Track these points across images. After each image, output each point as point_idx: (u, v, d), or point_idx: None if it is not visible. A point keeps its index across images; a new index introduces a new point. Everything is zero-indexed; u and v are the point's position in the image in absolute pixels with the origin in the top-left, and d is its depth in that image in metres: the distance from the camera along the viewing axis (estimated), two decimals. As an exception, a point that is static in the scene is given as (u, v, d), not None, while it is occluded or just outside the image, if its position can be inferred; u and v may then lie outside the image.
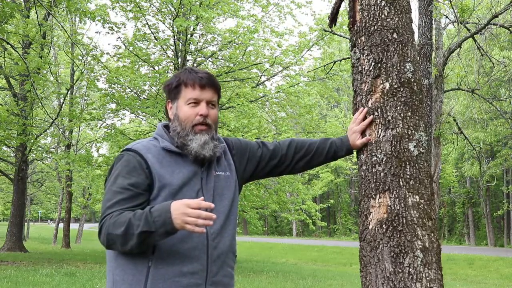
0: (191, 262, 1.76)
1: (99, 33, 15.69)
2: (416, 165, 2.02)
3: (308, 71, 14.50)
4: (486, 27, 10.18)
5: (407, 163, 2.01)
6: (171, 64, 13.83)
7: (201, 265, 1.77)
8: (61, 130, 18.43)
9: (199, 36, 14.24)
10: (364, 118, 2.09)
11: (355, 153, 2.19)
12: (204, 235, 1.78)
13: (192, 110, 1.87)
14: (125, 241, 1.69)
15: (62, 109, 15.58)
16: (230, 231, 1.89)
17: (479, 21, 11.00)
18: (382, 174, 2.01)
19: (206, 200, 1.82)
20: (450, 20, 12.49)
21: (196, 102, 1.88)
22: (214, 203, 1.83)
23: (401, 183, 1.98)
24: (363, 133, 2.11)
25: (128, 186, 1.76)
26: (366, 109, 2.09)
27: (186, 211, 1.63)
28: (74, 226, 36.70)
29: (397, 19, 2.13)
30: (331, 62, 11.70)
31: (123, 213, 1.72)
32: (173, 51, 13.69)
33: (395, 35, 2.11)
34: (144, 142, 1.89)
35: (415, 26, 6.72)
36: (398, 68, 2.08)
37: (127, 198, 1.75)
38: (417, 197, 1.98)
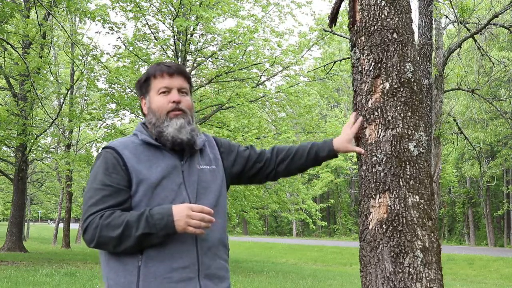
0: (181, 257, 1.75)
1: (99, 33, 15.69)
2: (416, 165, 2.01)
3: (308, 71, 14.50)
4: (486, 27, 10.18)
5: (407, 163, 2.01)
6: (171, 64, 13.80)
7: (191, 259, 1.77)
8: (61, 130, 18.42)
9: (199, 36, 14.24)
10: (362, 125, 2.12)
11: (355, 153, 2.19)
12: None
13: (164, 98, 1.88)
14: (120, 242, 1.70)
15: (62, 109, 15.59)
16: (219, 224, 1.87)
17: (479, 21, 11.00)
18: (382, 174, 2.01)
19: (190, 194, 1.82)
20: (450, 20, 12.48)
21: (167, 91, 1.89)
22: (199, 197, 1.84)
23: (401, 183, 1.98)
24: (359, 141, 2.13)
25: (109, 183, 1.76)
26: (360, 118, 2.13)
27: (190, 213, 1.68)
28: (74, 226, 36.70)
29: (397, 19, 2.13)
30: (331, 62, 11.69)
31: (115, 214, 1.72)
32: (173, 51, 13.69)
33: (395, 35, 2.11)
34: (123, 139, 1.90)
35: (415, 26, 6.73)
36: (398, 68, 2.08)
37: (109, 194, 1.75)
38: (417, 197, 1.98)
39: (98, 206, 1.74)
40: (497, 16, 9.92)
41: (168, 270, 1.73)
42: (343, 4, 2.57)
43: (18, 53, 12.23)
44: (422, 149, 2.05)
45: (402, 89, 2.07)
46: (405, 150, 2.02)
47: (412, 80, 2.10)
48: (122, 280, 1.74)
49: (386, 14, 2.12)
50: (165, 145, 1.86)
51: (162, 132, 1.85)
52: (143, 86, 1.95)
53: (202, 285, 1.78)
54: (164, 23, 13.56)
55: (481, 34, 10.72)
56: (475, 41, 10.80)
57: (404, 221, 1.95)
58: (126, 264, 1.74)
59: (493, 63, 11.80)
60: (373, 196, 2.02)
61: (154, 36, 13.58)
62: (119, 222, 1.69)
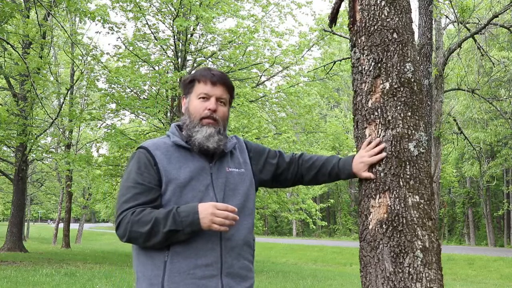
0: (205, 254, 1.83)
1: (99, 33, 15.71)
2: (416, 165, 2.01)
3: (308, 71, 14.49)
4: (486, 27, 10.18)
5: (407, 163, 2.00)
6: (171, 64, 13.83)
7: (215, 257, 1.84)
8: (61, 130, 18.42)
9: (199, 36, 14.24)
10: (380, 151, 2.02)
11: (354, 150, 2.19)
12: None
13: (202, 104, 1.97)
14: (149, 238, 1.79)
15: (62, 109, 15.58)
16: (245, 225, 1.94)
17: (479, 21, 11.01)
18: (382, 174, 2.01)
19: (217, 195, 1.90)
20: (450, 20, 12.50)
21: (207, 97, 1.97)
22: (226, 198, 1.91)
23: (401, 183, 1.98)
24: (371, 166, 2.04)
25: (141, 181, 1.87)
26: (383, 144, 2.02)
27: (215, 211, 1.77)
28: (74, 226, 36.70)
29: (397, 19, 2.13)
30: (331, 62, 11.69)
31: (146, 211, 1.81)
32: (173, 51, 13.69)
33: (395, 35, 2.10)
34: (155, 140, 2.01)
35: (415, 26, 6.72)
36: (398, 68, 2.08)
37: (141, 192, 1.85)
38: (417, 197, 1.98)
39: (130, 203, 1.84)
40: (497, 16, 9.93)
41: (192, 267, 1.81)
42: (343, 4, 2.57)
43: (18, 53, 12.23)
44: (422, 149, 2.05)
45: (402, 89, 2.07)
46: (405, 150, 2.01)
47: (412, 80, 2.09)
48: (150, 273, 1.84)
49: (386, 14, 2.12)
50: (193, 149, 1.94)
51: (191, 136, 1.94)
52: (187, 86, 2.04)
53: (224, 283, 1.85)
54: (164, 23, 13.56)
55: (481, 34, 10.72)
56: (475, 41, 10.81)
57: (404, 221, 1.94)
58: (154, 259, 1.84)
59: (493, 63, 11.81)
60: (373, 196, 2.02)
61: (154, 36, 13.58)
62: (148, 218, 1.79)
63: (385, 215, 1.97)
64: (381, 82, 2.08)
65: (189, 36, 13.28)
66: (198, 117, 1.95)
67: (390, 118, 2.04)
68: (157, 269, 1.83)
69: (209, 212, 1.76)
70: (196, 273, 1.81)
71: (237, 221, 1.82)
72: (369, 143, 2.06)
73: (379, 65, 2.09)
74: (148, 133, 14.55)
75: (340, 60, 12.28)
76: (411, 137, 2.03)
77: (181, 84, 2.10)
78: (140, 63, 13.64)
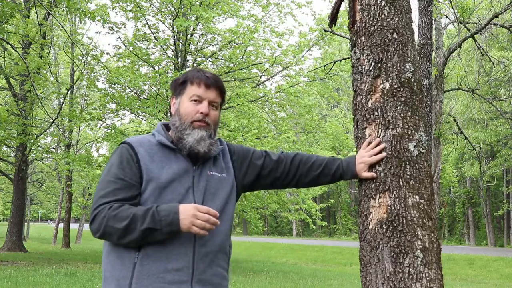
0: (177, 259, 1.77)
1: (99, 33, 15.73)
2: (416, 165, 2.01)
3: (308, 71, 14.50)
4: (486, 27, 10.19)
5: (407, 163, 2.00)
6: (171, 64, 13.83)
7: (186, 262, 1.78)
8: (61, 130, 18.42)
9: (199, 36, 14.25)
10: (380, 151, 2.01)
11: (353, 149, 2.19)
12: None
13: (194, 106, 1.91)
14: (125, 235, 1.73)
15: (62, 109, 15.58)
16: (222, 230, 1.88)
17: (479, 21, 11.02)
18: (382, 174, 2.01)
19: (197, 199, 1.84)
20: (450, 20, 12.50)
21: (199, 100, 1.91)
22: (205, 202, 1.85)
23: (401, 183, 1.98)
24: (371, 166, 2.04)
25: (121, 176, 1.80)
26: (383, 144, 2.01)
27: (196, 213, 1.71)
28: (74, 226, 36.70)
29: (397, 19, 2.13)
30: (331, 62, 11.69)
31: (124, 206, 1.75)
32: (173, 51, 13.69)
33: (395, 35, 2.10)
34: (140, 136, 1.95)
35: (415, 26, 6.72)
36: (398, 68, 2.08)
37: (120, 188, 1.79)
38: (417, 197, 1.98)
39: (108, 198, 1.78)
40: (497, 16, 9.93)
41: (161, 270, 1.75)
42: (343, 4, 2.56)
43: (18, 53, 12.23)
44: (422, 149, 2.05)
45: (402, 89, 2.07)
46: (405, 150, 2.01)
47: (412, 80, 2.09)
48: (117, 273, 1.78)
49: (386, 14, 2.12)
50: (182, 151, 1.89)
51: (182, 139, 1.88)
52: (178, 87, 1.97)
53: None
54: (164, 23, 13.58)
55: (481, 34, 10.73)
56: (475, 41, 10.81)
57: (404, 221, 1.94)
58: (124, 260, 1.78)
59: (493, 63, 11.81)
60: (373, 196, 2.02)
61: (154, 36, 13.59)
62: (126, 214, 1.72)
63: (385, 215, 1.97)
64: (381, 82, 2.08)
65: (189, 36, 13.29)
66: (190, 120, 1.89)
67: (390, 118, 2.04)
68: (125, 270, 1.76)
69: (191, 213, 1.70)
70: (166, 277, 1.74)
71: (217, 225, 1.75)
72: (369, 143, 2.04)
73: (379, 65, 2.09)
74: (148, 133, 14.55)
75: (340, 60, 12.28)
76: (411, 137, 2.03)
77: (171, 84, 2.02)
78: (140, 63, 13.65)
